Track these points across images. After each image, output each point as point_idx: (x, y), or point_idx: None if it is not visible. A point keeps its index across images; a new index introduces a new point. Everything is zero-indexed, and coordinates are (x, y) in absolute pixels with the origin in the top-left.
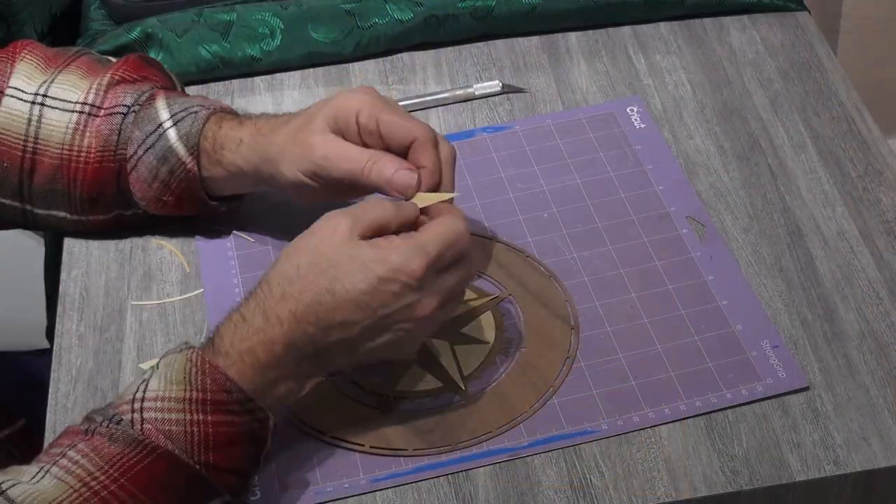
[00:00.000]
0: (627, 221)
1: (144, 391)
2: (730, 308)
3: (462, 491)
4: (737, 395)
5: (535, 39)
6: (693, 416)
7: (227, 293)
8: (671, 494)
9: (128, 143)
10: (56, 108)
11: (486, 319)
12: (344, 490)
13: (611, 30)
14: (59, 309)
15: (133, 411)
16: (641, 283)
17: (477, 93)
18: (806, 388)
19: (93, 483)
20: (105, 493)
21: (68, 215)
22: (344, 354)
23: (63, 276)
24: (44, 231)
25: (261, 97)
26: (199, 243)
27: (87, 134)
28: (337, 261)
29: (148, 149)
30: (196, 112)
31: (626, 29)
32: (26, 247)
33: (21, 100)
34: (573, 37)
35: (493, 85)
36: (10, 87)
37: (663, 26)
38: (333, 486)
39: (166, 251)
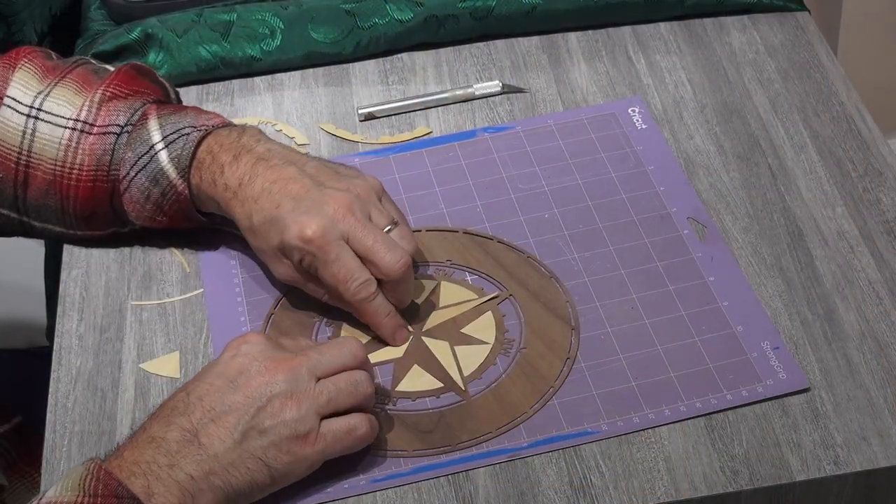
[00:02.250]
0: (628, 222)
1: (40, 499)
2: (730, 309)
3: (462, 491)
4: (737, 397)
5: (535, 39)
6: (693, 417)
7: (227, 293)
8: (671, 494)
9: (120, 164)
10: (49, 122)
11: (486, 319)
12: (344, 490)
13: (611, 30)
14: (59, 309)
15: None
16: (642, 283)
17: (477, 93)
18: (806, 389)
19: None
20: None
21: (65, 230)
22: (233, 449)
23: (63, 276)
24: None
25: (261, 97)
26: (199, 243)
27: (80, 151)
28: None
29: (140, 170)
30: (187, 135)
31: (626, 29)
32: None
33: (17, 111)
34: (573, 37)
35: (493, 85)
36: (7, 97)
37: (663, 26)
38: (333, 486)
39: (166, 251)
